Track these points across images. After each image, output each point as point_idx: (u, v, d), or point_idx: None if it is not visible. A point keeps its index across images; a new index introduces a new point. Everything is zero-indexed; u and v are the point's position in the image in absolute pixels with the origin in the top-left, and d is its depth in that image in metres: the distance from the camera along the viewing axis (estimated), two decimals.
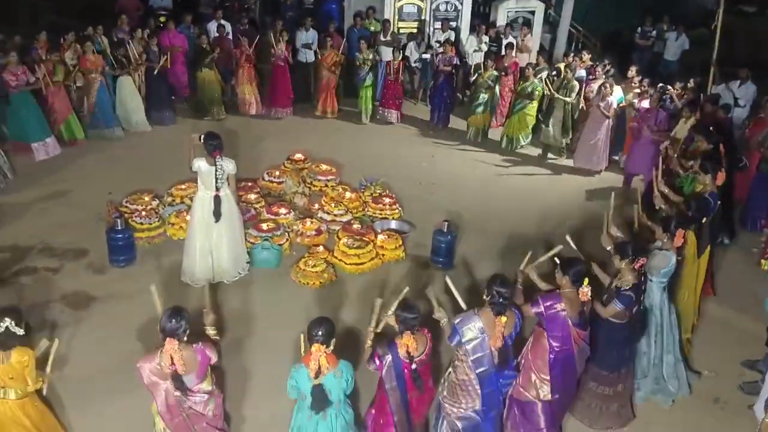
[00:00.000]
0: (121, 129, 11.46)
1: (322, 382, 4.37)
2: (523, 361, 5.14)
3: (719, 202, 6.97)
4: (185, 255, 7.39)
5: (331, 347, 4.43)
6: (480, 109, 12.14)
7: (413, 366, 4.55)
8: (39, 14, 14.42)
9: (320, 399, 4.40)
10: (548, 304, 4.92)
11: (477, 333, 4.64)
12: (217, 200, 7.01)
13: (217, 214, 7.05)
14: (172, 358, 4.34)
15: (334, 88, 13.00)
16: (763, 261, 8.25)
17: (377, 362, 4.61)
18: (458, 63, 12.94)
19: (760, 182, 9.03)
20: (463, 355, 4.73)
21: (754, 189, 9.16)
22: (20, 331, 4.55)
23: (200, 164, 6.94)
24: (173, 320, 4.38)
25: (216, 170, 6.88)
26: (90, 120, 11.22)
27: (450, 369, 4.95)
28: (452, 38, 13.90)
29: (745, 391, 6.15)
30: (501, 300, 4.59)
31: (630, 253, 5.22)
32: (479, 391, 4.75)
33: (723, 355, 6.64)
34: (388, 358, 4.57)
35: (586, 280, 4.86)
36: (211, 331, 4.92)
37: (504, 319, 4.58)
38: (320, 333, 4.36)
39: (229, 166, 6.99)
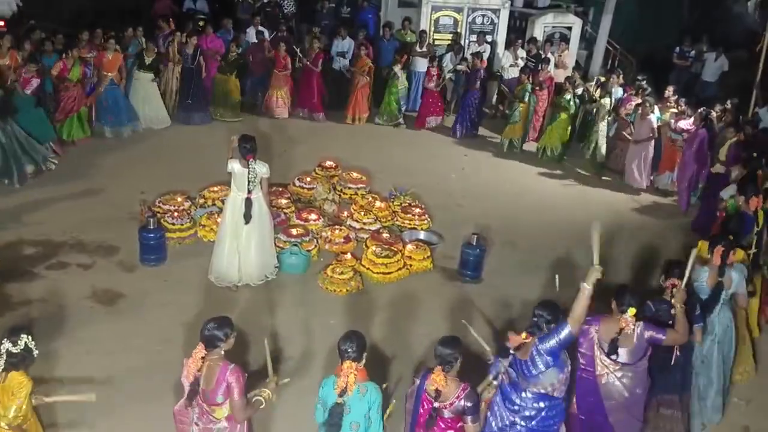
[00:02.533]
0: (131, 129, 11.54)
1: (344, 401, 4.18)
2: None
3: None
4: (214, 254, 7.46)
5: (363, 362, 4.28)
6: (513, 120, 12.20)
7: (435, 404, 4.28)
8: (81, 14, 14.69)
9: (335, 420, 4.18)
10: (588, 319, 4.82)
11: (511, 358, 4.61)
12: (248, 203, 7.06)
13: (247, 216, 7.10)
14: (193, 365, 4.25)
15: (366, 96, 13.07)
16: None
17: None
18: (486, 77, 12.87)
19: None
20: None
21: None
22: (35, 351, 4.30)
23: (234, 166, 7.01)
24: (208, 325, 4.27)
25: (248, 173, 6.95)
26: (101, 117, 11.33)
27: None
28: (488, 51, 13.91)
29: None
30: (538, 322, 4.48)
31: (670, 272, 5.26)
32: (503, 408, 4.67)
33: (754, 383, 6.48)
34: (417, 382, 4.45)
35: (632, 310, 4.75)
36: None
37: (533, 339, 4.45)
38: (350, 349, 4.17)
39: (262, 169, 7.05)
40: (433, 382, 4.23)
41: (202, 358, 4.24)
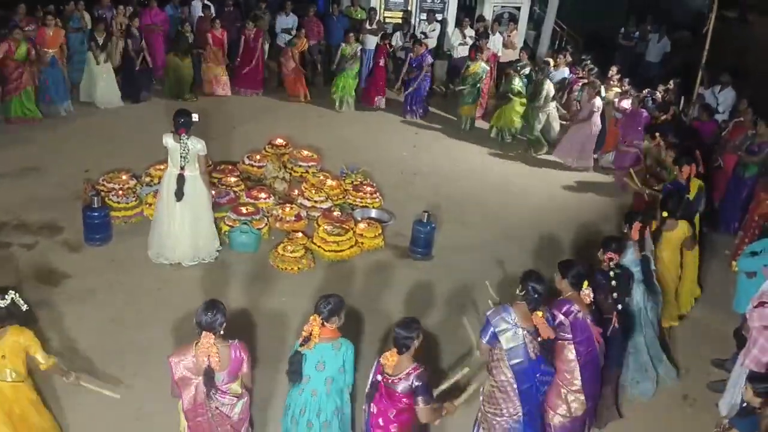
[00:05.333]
0: (70, 106, 11.26)
1: (305, 352, 4.32)
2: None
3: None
4: (151, 229, 7.36)
5: (334, 325, 4.38)
6: (470, 99, 12.28)
7: (378, 377, 4.37)
8: None
9: (295, 368, 4.35)
10: (565, 310, 4.83)
11: (510, 325, 4.57)
12: (180, 179, 6.90)
13: (178, 194, 6.93)
14: (207, 353, 4.15)
15: (303, 74, 13.00)
16: (734, 263, 8.35)
17: None
18: (432, 62, 12.86)
19: (735, 185, 9.17)
20: (498, 352, 4.62)
21: (728, 192, 9.29)
22: (24, 306, 4.47)
23: (168, 140, 6.87)
24: (210, 313, 4.18)
25: (180, 148, 6.80)
26: (39, 94, 10.99)
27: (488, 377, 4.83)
28: (437, 30, 13.93)
29: (712, 389, 6.26)
30: (536, 296, 4.52)
31: (607, 246, 5.38)
32: (516, 389, 4.62)
33: (693, 354, 6.75)
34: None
35: (586, 282, 4.84)
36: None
37: (540, 314, 4.52)
38: (322, 306, 4.34)
39: (196, 145, 6.87)
40: (384, 359, 4.28)
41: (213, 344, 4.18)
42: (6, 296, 4.40)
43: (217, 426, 4.41)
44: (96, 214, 7.50)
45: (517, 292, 4.64)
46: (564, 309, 4.82)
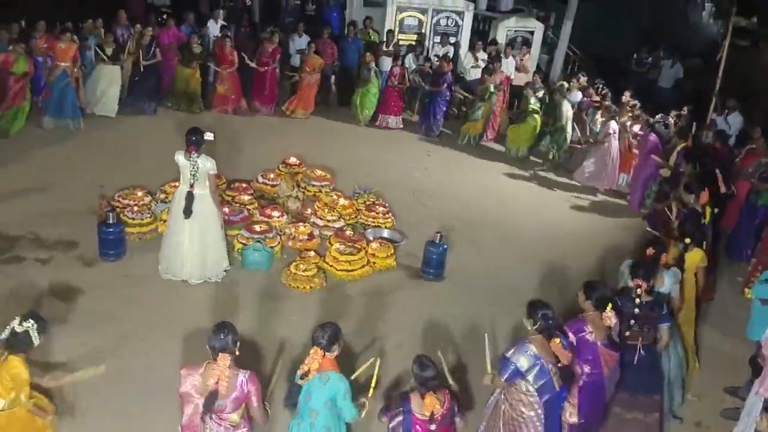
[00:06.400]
0: (80, 122, 11.20)
1: (303, 384, 4.29)
2: None
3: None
4: (162, 245, 7.41)
5: (334, 354, 4.34)
6: (475, 116, 12.49)
7: (432, 427, 4.23)
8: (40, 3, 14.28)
9: (291, 397, 4.36)
10: (575, 329, 4.90)
11: (533, 360, 4.52)
12: (189, 196, 6.94)
13: (187, 211, 6.97)
14: (218, 376, 4.05)
15: (314, 93, 13.07)
16: (747, 290, 8.31)
17: (386, 417, 4.42)
18: (451, 82, 13.00)
19: (747, 212, 9.14)
20: (523, 388, 4.58)
21: (741, 219, 9.26)
22: (36, 341, 4.33)
23: (179, 157, 6.93)
24: (221, 334, 4.11)
25: (190, 165, 6.86)
26: (47, 107, 11.04)
27: (501, 407, 4.77)
28: (451, 53, 14.06)
29: (726, 417, 6.20)
30: (549, 322, 4.52)
31: (635, 273, 5.33)
32: (543, 420, 4.62)
33: (707, 381, 6.70)
34: (399, 418, 4.33)
35: (609, 304, 4.84)
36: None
37: (557, 340, 4.51)
38: (321, 337, 4.28)
39: (206, 164, 6.90)
40: (428, 408, 4.19)
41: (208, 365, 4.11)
42: (24, 323, 4.28)
43: None
44: (111, 230, 7.55)
45: (529, 327, 4.61)
46: (574, 328, 4.91)
